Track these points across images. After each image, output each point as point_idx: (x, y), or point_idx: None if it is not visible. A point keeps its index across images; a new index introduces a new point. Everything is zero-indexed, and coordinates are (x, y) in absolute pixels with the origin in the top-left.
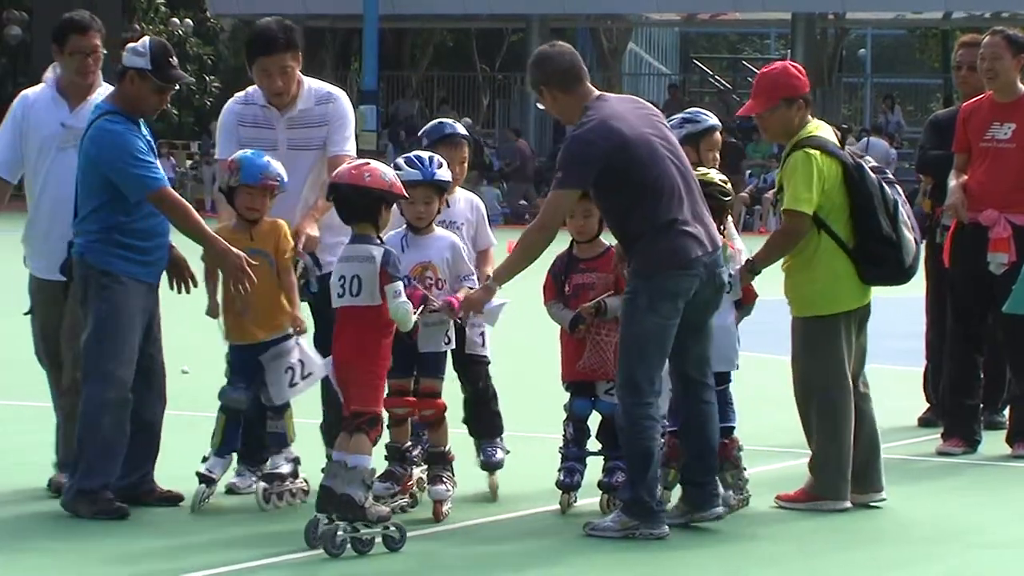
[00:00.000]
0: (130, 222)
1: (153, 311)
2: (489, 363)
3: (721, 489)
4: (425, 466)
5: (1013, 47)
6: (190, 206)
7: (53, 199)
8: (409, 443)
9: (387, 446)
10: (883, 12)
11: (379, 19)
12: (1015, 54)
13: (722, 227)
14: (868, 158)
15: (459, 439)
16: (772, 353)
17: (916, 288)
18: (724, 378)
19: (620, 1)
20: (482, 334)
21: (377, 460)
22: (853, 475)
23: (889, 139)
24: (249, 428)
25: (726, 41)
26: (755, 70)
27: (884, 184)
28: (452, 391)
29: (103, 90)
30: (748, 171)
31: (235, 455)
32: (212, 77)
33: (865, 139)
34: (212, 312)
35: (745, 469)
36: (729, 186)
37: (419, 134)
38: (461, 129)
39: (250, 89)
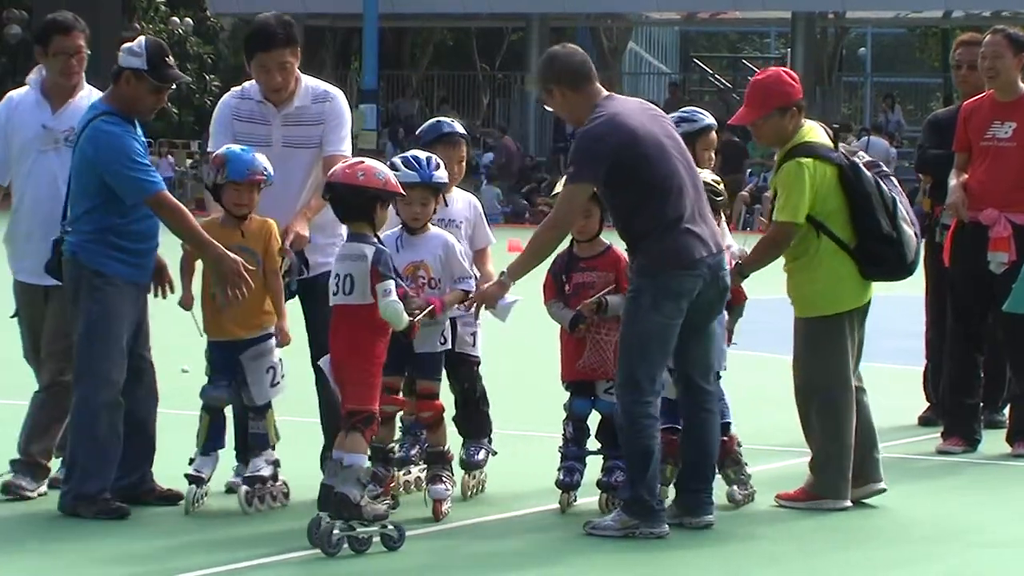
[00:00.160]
0: (126, 224)
1: (142, 311)
2: (479, 363)
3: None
4: (424, 466)
5: (1014, 46)
6: (186, 210)
7: (34, 200)
8: (393, 443)
9: (371, 446)
10: (883, 11)
11: (379, 18)
12: (1016, 53)
13: None
14: (861, 153)
15: (456, 439)
16: (771, 352)
17: (916, 287)
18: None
19: (620, 0)
20: (473, 334)
21: None
22: (852, 471)
23: (889, 138)
24: (245, 425)
25: (726, 40)
26: (755, 69)
27: (880, 180)
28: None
29: (86, 92)
30: (748, 170)
31: (234, 453)
32: (212, 76)
33: (865, 138)
34: (186, 304)
35: (746, 464)
36: (722, 186)
37: (416, 133)
38: (459, 128)
39: (247, 84)
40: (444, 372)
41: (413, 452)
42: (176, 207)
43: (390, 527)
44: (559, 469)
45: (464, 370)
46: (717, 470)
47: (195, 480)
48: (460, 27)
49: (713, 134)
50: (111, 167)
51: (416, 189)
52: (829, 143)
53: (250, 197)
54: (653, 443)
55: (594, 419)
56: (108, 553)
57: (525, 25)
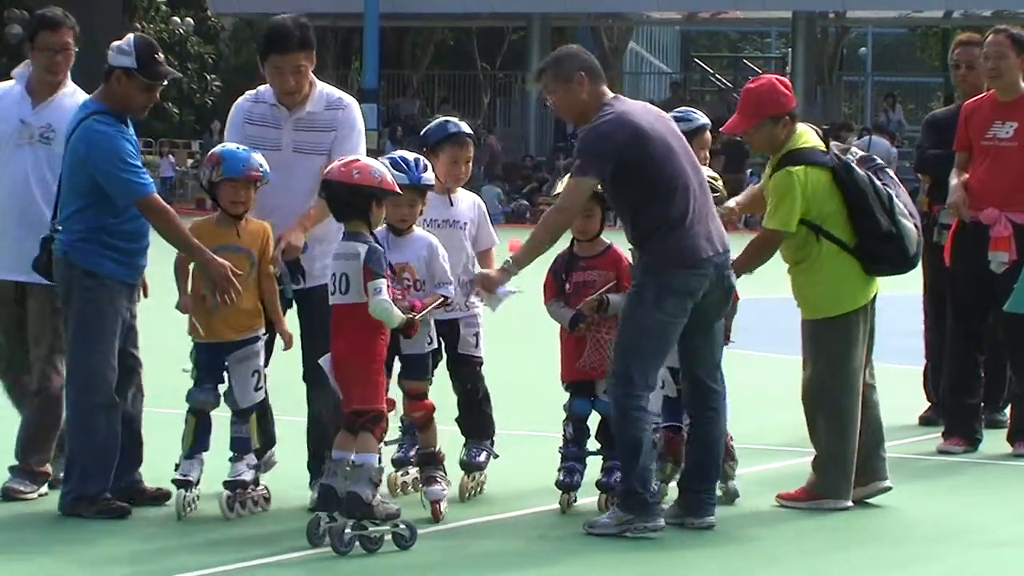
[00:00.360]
0: (118, 224)
1: (132, 310)
2: (482, 363)
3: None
4: (418, 468)
5: (1016, 46)
6: (175, 213)
7: (8, 195)
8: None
9: None
10: (884, 11)
11: (380, 18)
12: (1019, 53)
13: None
14: (854, 150)
15: (450, 437)
16: (771, 352)
17: (917, 286)
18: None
19: (621, 0)
20: (476, 334)
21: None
22: (856, 466)
23: (890, 138)
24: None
25: (727, 40)
26: (756, 69)
27: (875, 177)
28: (444, 389)
29: (69, 90)
30: (749, 170)
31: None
32: (213, 76)
33: (867, 138)
34: (183, 308)
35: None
36: (720, 183)
37: (422, 133)
38: (466, 128)
39: (262, 87)
40: (447, 373)
41: (412, 453)
42: (164, 210)
43: (401, 526)
44: (559, 469)
45: (467, 371)
46: None
47: (183, 484)
48: (461, 27)
49: (708, 133)
50: (103, 167)
51: (405, 191)
52: (821, 145)
53: (247, 195)
54: (643, 434)
55: (594, 419)
56: (107, 553)
57: (526, 25)
